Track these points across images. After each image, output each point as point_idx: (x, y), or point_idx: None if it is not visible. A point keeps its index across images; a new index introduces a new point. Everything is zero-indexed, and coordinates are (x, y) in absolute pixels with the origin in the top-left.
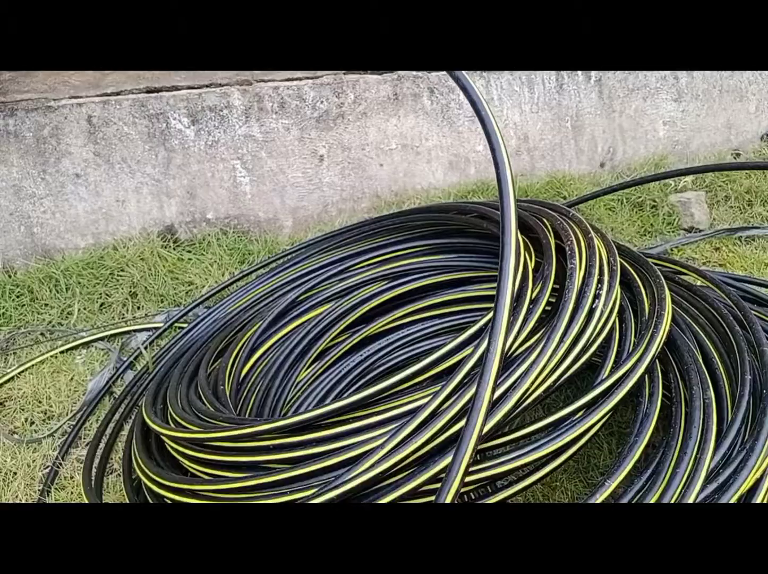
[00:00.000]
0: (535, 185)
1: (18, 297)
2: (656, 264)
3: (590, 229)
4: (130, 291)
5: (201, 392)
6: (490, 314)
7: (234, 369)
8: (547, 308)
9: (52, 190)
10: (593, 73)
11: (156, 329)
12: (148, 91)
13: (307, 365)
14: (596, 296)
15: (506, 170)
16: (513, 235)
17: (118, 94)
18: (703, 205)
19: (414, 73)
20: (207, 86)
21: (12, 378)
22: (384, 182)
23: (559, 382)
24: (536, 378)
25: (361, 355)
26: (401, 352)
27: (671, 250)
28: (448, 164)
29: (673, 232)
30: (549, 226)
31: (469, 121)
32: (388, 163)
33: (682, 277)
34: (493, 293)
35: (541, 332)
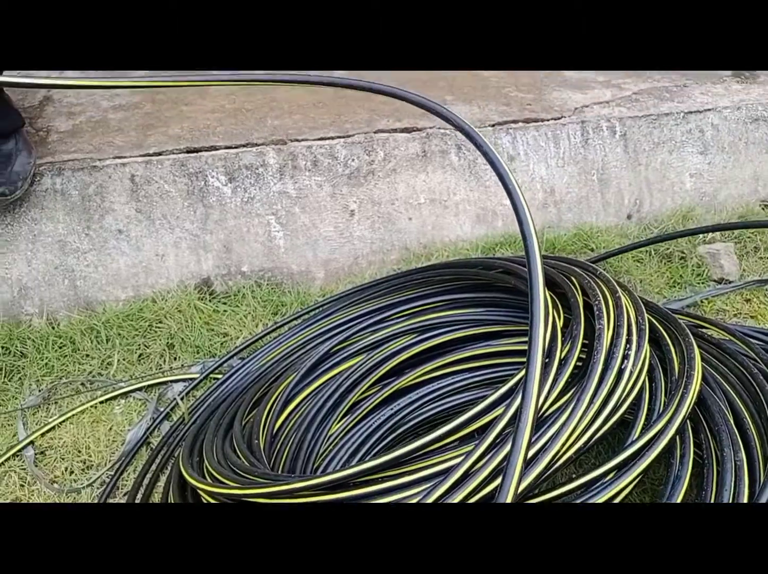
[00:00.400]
0: (562, 237)
1: (60, 348)
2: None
3: (617, 288)
4: (168, 342)
5: (236, 445)
6: (520, 374)
7: (268, 422)
8: (577, 363)
9: (96, 245)
10: (618, 127)
11: (192, 379)
12: (188, 151)
13: (338, 418)
14: (625, 357)
15: (534, 246)
16: (541, 309)
17: (159, 154)
18: (733, 256)
19: (442, 130)
20: (244, 146)
21: (53, 427)
22: (413, 235)
23: (590, 443)
24: (567, 439)
25: (391, 409)
26: (431, 406)
27: (701, 302)
28: (476, 217)
29: (702, 283)
30: (576, 284)
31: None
32: (416, 217)
33: (707, 331)
34: (522, 347)
35: (570, 392)
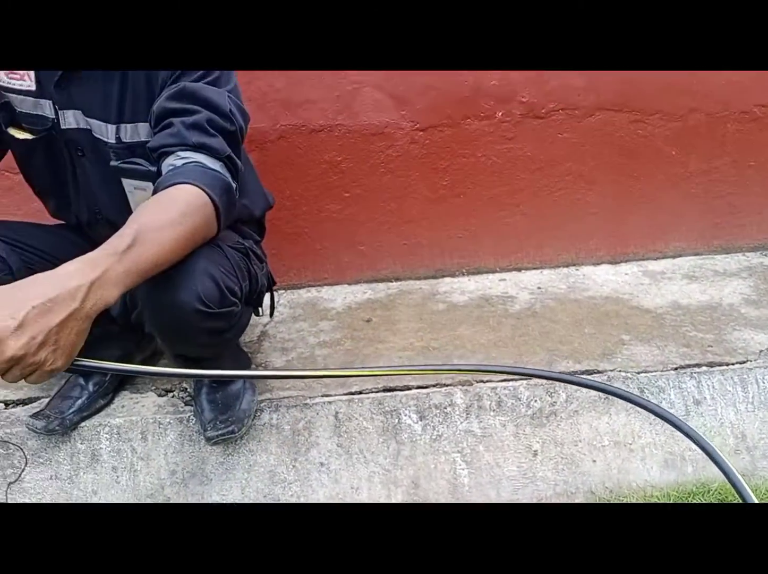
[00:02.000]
0: (760, 487)
1: None
2: None
3: None
4: None
5: None
6: None
7: None
8: None
9: (300, 476)
10: None
11: None
12: (385, 390)
13: None
14: None
15: None
16: None
17: (360, 392)
18: None
19: (623, 373)
20: (433, 385)
21: None
22: (597, 478)
23: None
24: None
25: None
26: None
27: None
28: (663, 462)
29: None
30: None
31: (681, 419)
32: (600, 460)
33: None
34: None
35: None
